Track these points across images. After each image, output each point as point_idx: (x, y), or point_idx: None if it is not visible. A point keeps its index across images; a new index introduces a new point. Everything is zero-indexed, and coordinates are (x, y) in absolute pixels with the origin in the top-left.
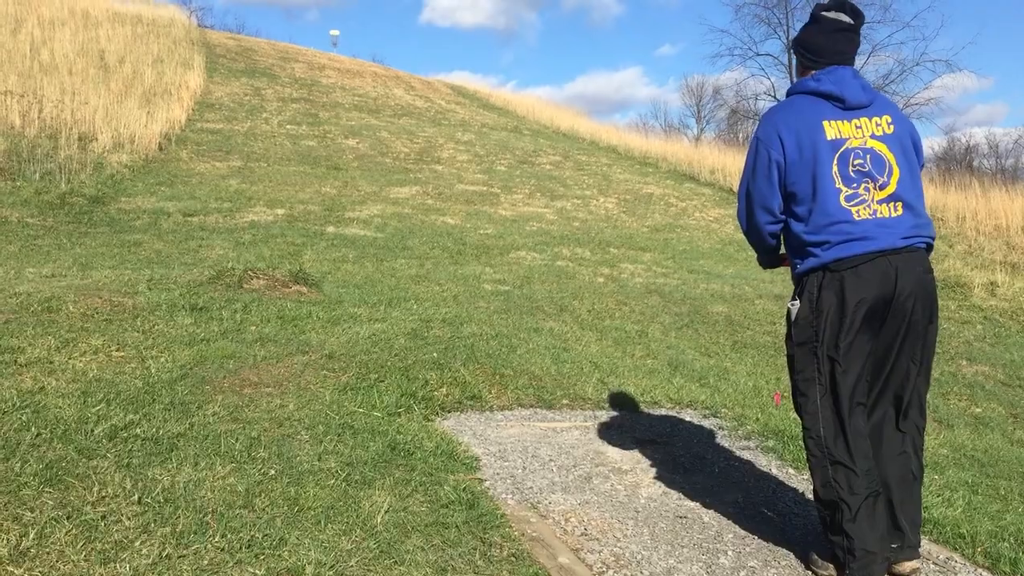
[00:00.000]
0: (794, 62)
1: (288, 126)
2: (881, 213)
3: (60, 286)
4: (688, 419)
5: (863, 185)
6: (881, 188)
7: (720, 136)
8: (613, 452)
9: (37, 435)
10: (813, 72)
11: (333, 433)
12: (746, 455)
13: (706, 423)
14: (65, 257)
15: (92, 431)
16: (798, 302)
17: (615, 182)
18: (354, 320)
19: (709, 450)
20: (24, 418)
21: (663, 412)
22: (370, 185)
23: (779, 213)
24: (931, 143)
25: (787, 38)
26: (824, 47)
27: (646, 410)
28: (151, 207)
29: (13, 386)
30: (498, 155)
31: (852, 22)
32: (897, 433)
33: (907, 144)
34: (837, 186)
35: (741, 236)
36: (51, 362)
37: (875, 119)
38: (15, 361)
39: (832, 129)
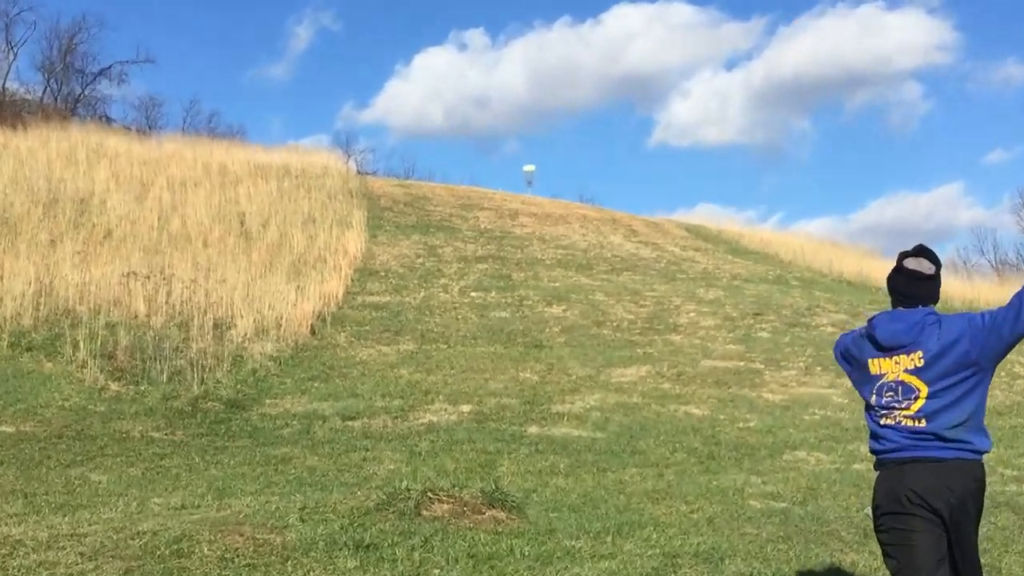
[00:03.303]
0: None
1: (473, 293)
2: None
3: (192, 520)
4: None
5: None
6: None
7: None
8: None
9: None
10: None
11: None
12: None
13: None
14: (198, 481)
15: None
16: None
17: None
18: (572, 557)
19: None
20: None
21: None
22: (583, 367)
23: None
24: None
25: None
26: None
27: None
28: (302, 410)
29: None
30: (757, 316)
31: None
32: None
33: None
34: None
35: None
36: None
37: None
38: None
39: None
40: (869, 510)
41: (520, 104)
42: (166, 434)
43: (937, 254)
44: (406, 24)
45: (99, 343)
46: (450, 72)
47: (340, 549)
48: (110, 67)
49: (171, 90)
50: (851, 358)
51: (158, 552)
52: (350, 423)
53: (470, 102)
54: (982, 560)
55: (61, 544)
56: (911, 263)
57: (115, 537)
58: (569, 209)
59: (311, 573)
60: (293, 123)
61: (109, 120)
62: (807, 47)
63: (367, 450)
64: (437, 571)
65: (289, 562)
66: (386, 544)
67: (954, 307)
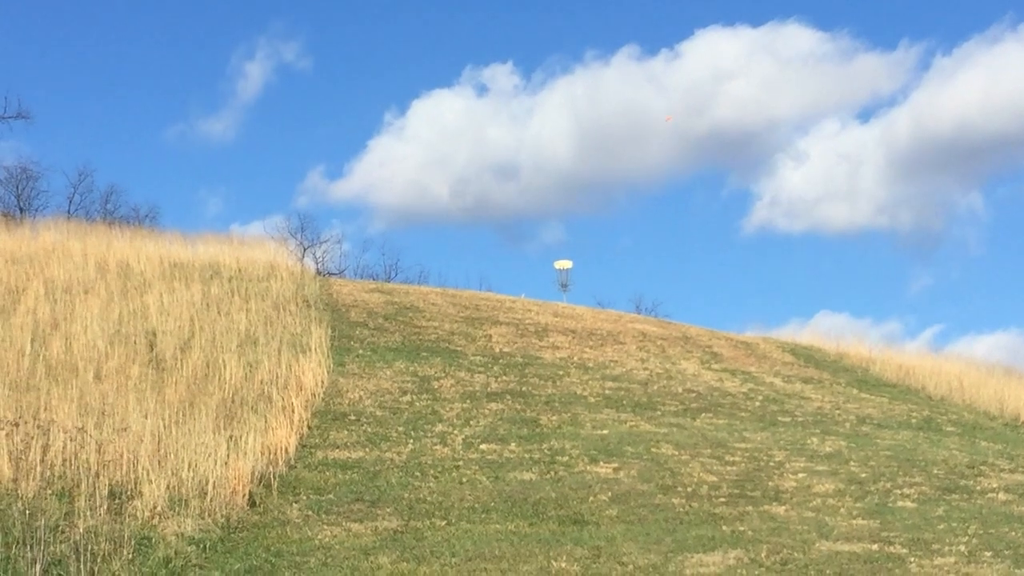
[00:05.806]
0: None
1: (483, 446)
2: None
3: None
4: None
5: None
6: None
7: None
8: None
9: None
10: None
11: None
12: None
13: None
14: None
15: None
16: None
17: None
18: None
19: None
20: None
21: None
22: (644, 552)
23: None
24: None
25: None
26: None
27: None
28: None
29: None
30: (896, 477)
31: None
32: None
33: None
34: None
35: None
36: None
37: None
38: None
39: None
40: None
41: (561, 173)
42: None
43: None
44: (402, 58)
45: None
46: (463, 126)
47: None
48: None
49: (52, 157)
50: None
51: None
52: None
53: (490, 170)
54: None
55: None
56: None
57: None
58: (622, 324)
59: None
60: (234, 202)
61: None
62: (976, 87)
63: None
64: None
65: None
66: None
67: None
